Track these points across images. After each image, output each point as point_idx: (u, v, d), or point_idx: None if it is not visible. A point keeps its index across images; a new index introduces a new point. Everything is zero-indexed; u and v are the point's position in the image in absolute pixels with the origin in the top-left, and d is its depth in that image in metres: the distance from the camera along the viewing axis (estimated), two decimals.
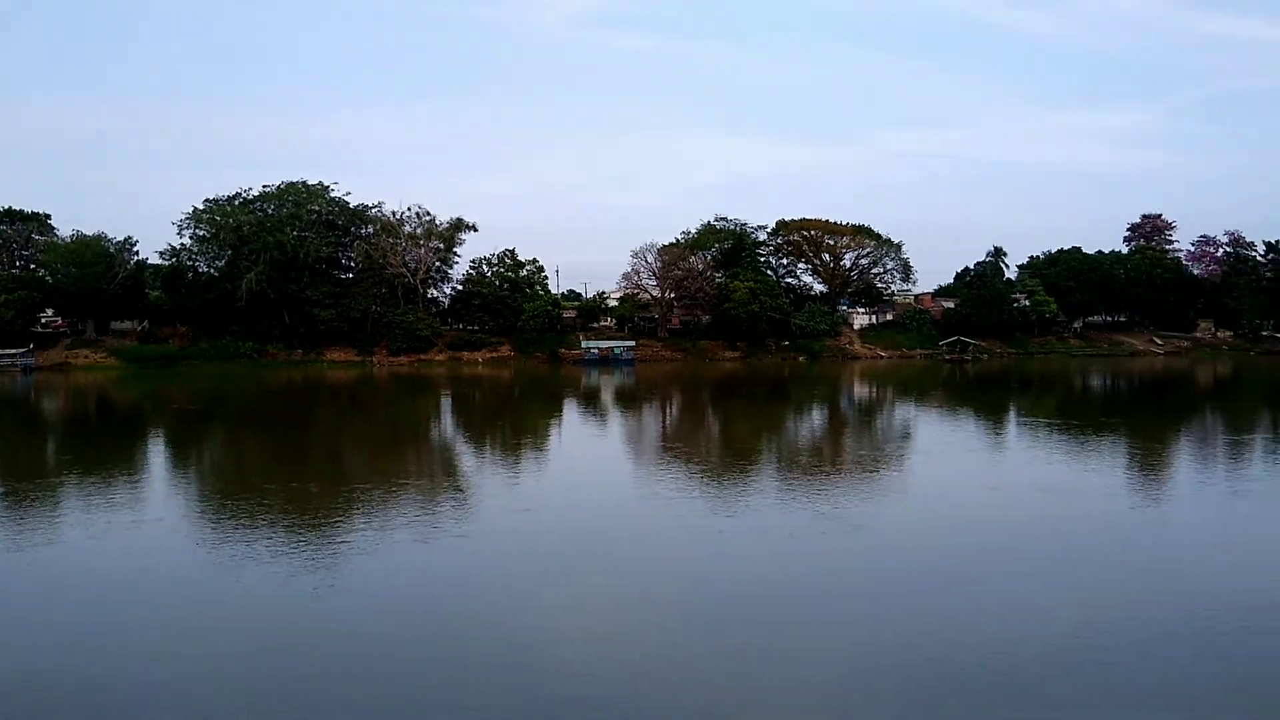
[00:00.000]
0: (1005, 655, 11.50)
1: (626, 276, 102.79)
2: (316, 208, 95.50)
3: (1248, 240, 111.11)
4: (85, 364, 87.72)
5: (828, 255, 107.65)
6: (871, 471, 27.09)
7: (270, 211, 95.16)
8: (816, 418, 47.12)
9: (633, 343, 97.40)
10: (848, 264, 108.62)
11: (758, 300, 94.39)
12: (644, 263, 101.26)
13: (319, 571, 15.56)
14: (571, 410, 51.81)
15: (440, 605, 13.92)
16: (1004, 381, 68.58)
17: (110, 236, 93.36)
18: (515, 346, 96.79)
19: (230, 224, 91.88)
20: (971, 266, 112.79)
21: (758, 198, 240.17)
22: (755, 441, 36.43)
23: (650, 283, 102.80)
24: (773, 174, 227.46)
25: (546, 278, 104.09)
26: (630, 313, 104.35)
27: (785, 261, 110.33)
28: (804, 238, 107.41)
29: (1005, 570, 16.02)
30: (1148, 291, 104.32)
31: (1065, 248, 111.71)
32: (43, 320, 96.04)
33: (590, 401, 55.88)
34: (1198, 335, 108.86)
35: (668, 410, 51.99)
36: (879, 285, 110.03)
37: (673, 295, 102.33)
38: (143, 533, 18.94)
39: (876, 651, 11.73)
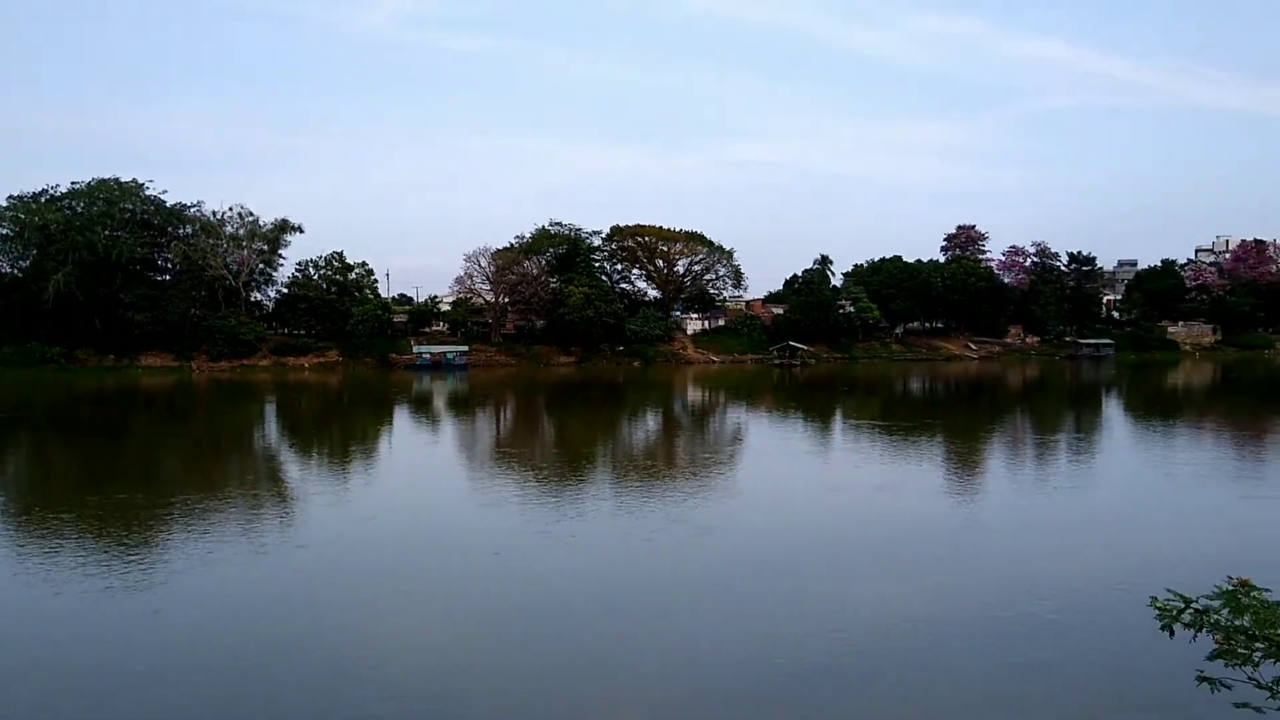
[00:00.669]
0: (841, 647, 13.86)
1: (460, 280, 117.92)
2: (130, 206, 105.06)
3: (1053, 251, 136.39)
4: None
5: (661, 261, 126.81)
6: (716, 474, 31.24)
7: (80, 210, 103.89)
8: (654, 422, 53.41)
9: (466, 347, 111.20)
10: (681, 270, 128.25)
11: (592, 305, 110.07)
12: (478, 266, 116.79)
13: (150, 588, 16.82)
14: (403, 417, 57.20)
15: (271, 619, 15.35)
16: (832, 385, 79.68)
17: None
18: (344, 352, 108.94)
19: (36, 222, 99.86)
20: (800, 274, 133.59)
21: (593, 203, 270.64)
22: (594, 446, 40.88)
23: (484, 287, 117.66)
24: (608, 180, 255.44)
25: (376, 281, 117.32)
26: (463, 317, 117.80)
27: (620, 267, 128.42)
28: (638, 244, 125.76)
29: (848, 567, 18.88)
30: (963, 299, 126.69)
31: (887, 256, 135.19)
32: None
33: (423, 407, 61.97)
34: (1008, 341, 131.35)
35: (503, 415, 58.04)
36: (711, 291, 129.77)
37: (507, 300, 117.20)
38: None
39: (718, 649, 13.74)
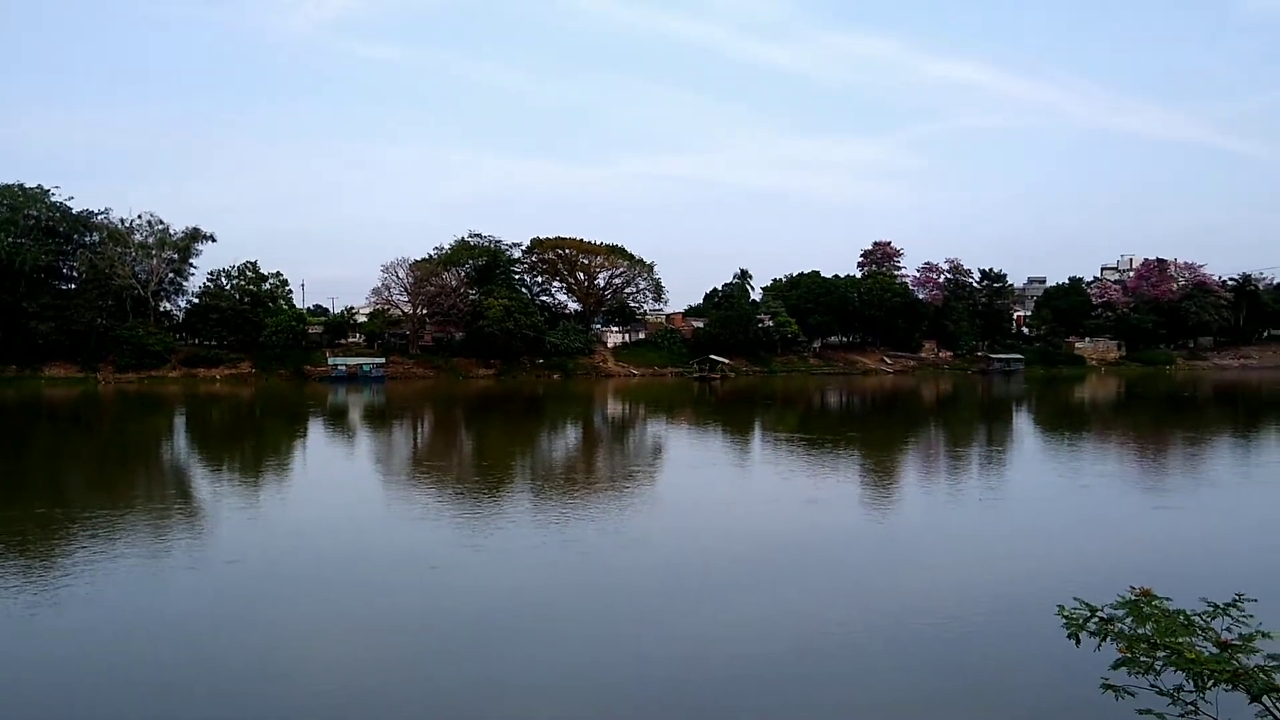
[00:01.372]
0: (768, 657, 14.03)
1: (377, 292, 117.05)
2: (35, 213, 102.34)
3: (966, 268, 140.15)
4: None
5: (582, 274, 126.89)
6: (642, 487, 31.17)
7: None
8: (577, 435, 53.05)
9: (383, 359, 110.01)
10: (602, 283, 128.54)
11: (512, 318, 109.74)
12: (395, 278, 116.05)
13: (58, 608, 16.52)
14: (320, 430, 55.98)
15: (199, 636, 15.15)
16: (752, 398, 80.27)
17: None
18: (257, 363, 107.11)
19: None
20: (720, 288, 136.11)
21: (513, 215, 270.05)
22: (517, 459, 40.62)
23: (402, 298, 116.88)
24: (528, 192, 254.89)
25: (291, 292, 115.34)
26: (381, 329, 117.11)
27: (540, 279, 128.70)
28: (559, 256, 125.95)
29: (774, 578, 18.98)
30: (879, 314, 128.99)
31: (806, 271, 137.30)
32: None
33: (340, 420, 60.97)
34: (923, 355, 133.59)
35: (423, 429, 57.41)
36: (632, 304, 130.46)
37: (425, 311, 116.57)
38: None
39: (648, 660, 13.94)
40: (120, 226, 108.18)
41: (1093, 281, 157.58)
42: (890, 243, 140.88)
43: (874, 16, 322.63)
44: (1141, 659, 6.67)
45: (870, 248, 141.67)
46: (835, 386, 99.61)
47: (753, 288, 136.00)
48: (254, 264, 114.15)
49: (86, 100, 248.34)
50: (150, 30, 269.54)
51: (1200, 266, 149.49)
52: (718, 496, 30.32)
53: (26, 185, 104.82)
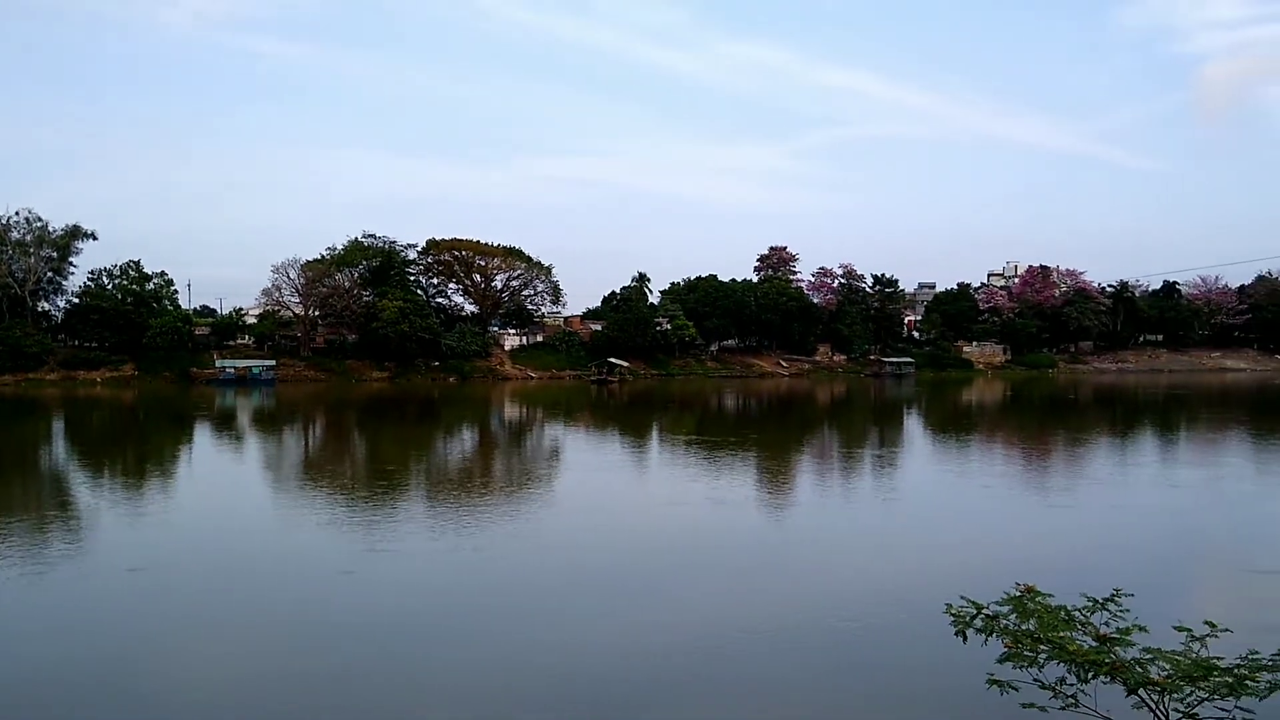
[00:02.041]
0: (668, 656, 14.18)
1: (267, 293, 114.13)
2: None
3: (859, 273, 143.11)
4: None
5: (479, 276, 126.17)
6: (540, 491, 31.45)
7: None
8: (475, 439, 52.60)
9: (273, 362, 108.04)
10: (499, 285, 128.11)
11: (407, 320, 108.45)
12: (286, 279, 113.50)
13: None
14: (208, 434, 54.61)
15: (99, 646, 14.90)
16: (650, 401, 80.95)
17: None
18: (140, 366, 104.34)
19: None
20: (618, 291, 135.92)
21: (408, 216, 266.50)
22: (412, 463, 40.06)
23: (293, 299, 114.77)
24: (424, 193, 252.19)
25: (176, 292, 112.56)
26: (271, 331, 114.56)
27: (436, 281, 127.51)
28: (455, 258, 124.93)
29: (681, 579, 19.18)
30: (775, 318, 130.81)
31: (703, 275, 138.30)
32: None
33: (228, 424, 60.00)
34: (817, 359, 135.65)
35: (315, 433, 56.57)
36: (530, 307, 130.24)
37: (317, 313, 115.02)
38: None
39: (550, 664, 13.85)
40: None
41: (980, 287, 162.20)
42: (786, 248, 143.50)
43: (769, 25, 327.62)
44: (1025, 653, 6.86)
45: (766, 252, 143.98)
46: (732, 389, 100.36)
47: (651, 291, 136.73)
48: (137, 263, 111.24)
49: None
50: (20, 19, 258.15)
51: (1081, 273, 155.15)
52: (619, 499, 30.53)
53: None
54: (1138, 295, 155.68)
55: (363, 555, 21.51)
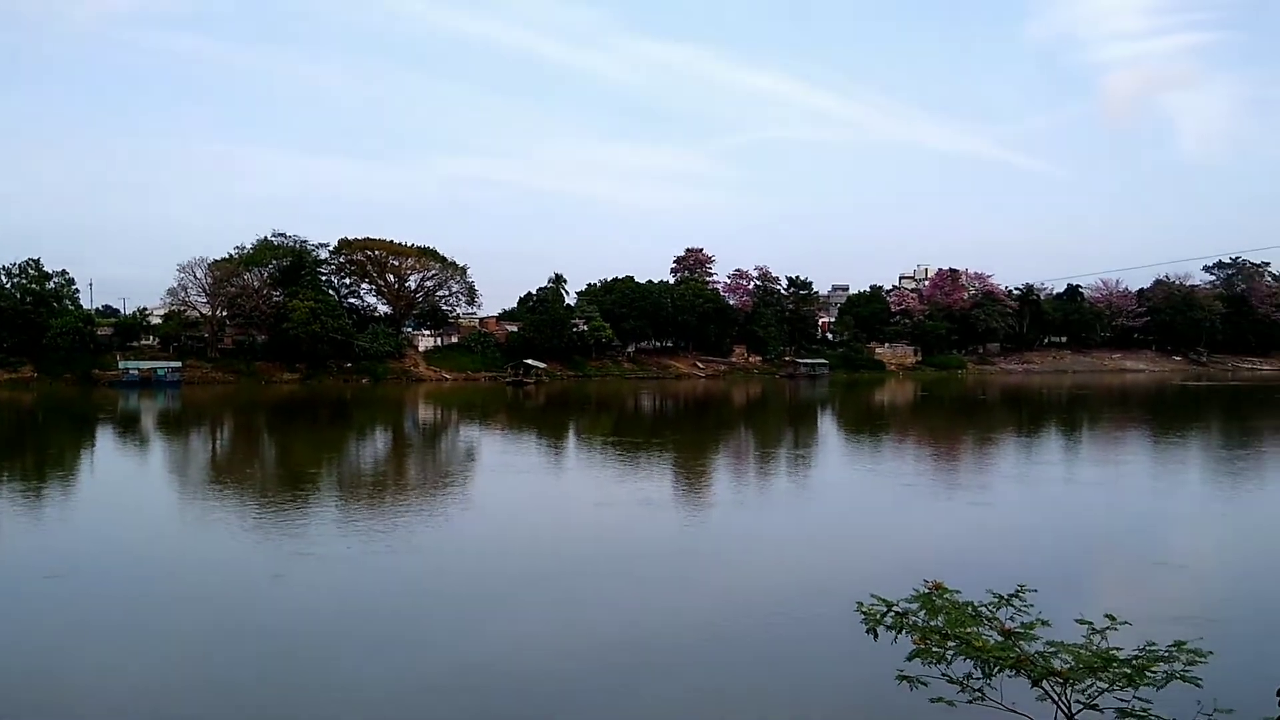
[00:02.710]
0: (587, 654, 14.50)
1: (173, 292, 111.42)
2: None
3: (774, 275, 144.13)
4: None
5: (392, 276, 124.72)
6: (466, 492, 31.84)
7: None
8: (390, 441, 52.75)
9: (178, 364, 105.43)
10: (413, 286, 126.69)
11: (319, 320, 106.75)
12: (193, 278, 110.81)
13: None
14: (109, 439, 53.55)
15: (17, 654, 14.77)
16: (567, 403, 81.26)
17: None
18: (40, 367, 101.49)
19: None
20: (534, 292, 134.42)
21: (320, 215, 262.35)
22: (327, 467, 39.53)
23: (200, 299, 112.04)
24: (336, 192, 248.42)
25: (78, 291, 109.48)
26: (176, 331, 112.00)
27: (349, 281, 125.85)
28: (368, 257, 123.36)
29: (597, 579, 19.53)
30: (692, 319, 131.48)
31: (620, 276, 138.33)
32: None
33: (130, 428, 58.74)
34: (733, 360, 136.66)
35: (222, 436, 56.04)
36: (444, 308, 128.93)
37: (225, 314, 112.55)
38: None
39: (459, 671, 13.86)
40: None
41: (892, 290, 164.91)
42: (702, 249, 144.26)
43: (684, 27, 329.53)
44: (934, 649, 6.99)
45: (683, 254, 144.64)
46: (649, 391, 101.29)
47: (567, 292, 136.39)
48: (36, 261, 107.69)
49: None
50: None
51: (989, 276, 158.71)
52: (542, 501, 30.67)
53: None
54: (1043, 298, 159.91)
55: (291, 559, 21.47)
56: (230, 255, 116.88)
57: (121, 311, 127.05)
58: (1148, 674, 6.77)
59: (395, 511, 27.88)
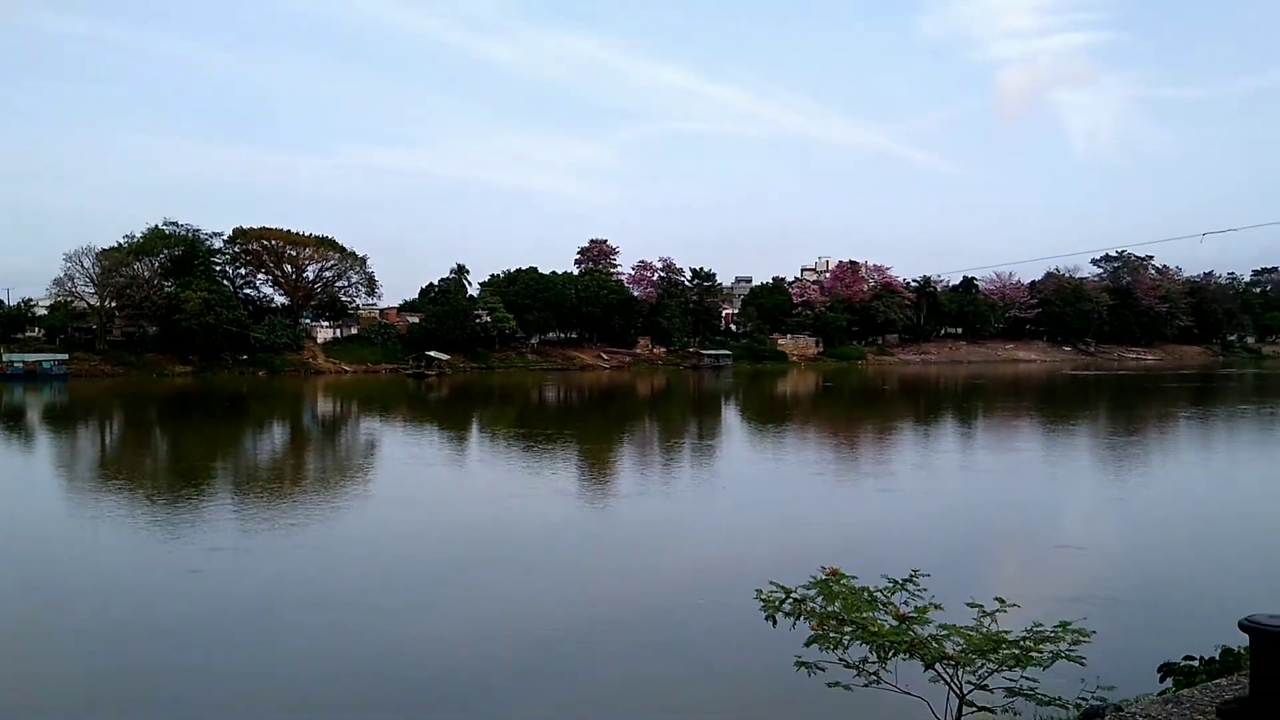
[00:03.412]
0: (492, 647, 14.50)
1: (59, 283, 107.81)
2: None
3: (678, 266, 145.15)
4: None
5: (290, 266, 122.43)
6: (367, 486, 31.46)
7: None
8: (287, 434, 51.31)
9: (65, 356, 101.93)
10: (311, 276, 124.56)
11: (213, 311, 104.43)
12: (80, 268, 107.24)
13: None
14: None
15: None
16: (469, 395, 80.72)
17: None
18: None
19: None
20: (436, 283, 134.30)
21: (214, 204, 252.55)
22: (222, 462, 38.58)
23: (88, 290, 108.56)
24: (229, 179, 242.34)
25: None
26: (63, 322, 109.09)
27: (244, 271, 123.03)
28: (264, 247, 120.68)
29: (500, 570, 19.38)
30: (596, 311, 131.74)
31: (524, 267, 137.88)
32: None
33: (15, 423, 56.74)
34: (638, 351, 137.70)
35: (110, 431, 54.14)
36: (344, 299, 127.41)
37: (114, 304, 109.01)
38: None
39: (350, 664, 13.70)
40: None
41: (794, 281, 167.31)
42: (606, 241, 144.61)
43: (589, 19, 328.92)
44: (831, 635, 7.10)
45: (587, 245, 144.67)
46: (554, 382, 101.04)
47: (470, 283, 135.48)
48: None
49: None
50: None
51: (888, 269, 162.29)
52: (442, 493, 30.35)
53: None
54: (939, 290, 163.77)
55: (207, 554, 21.11)
56: (119, 244, 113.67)
57: (4, 303, 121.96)
58: (1034, 655, 6.97)
59: (307, 506, 27.54)
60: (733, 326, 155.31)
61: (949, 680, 7.01)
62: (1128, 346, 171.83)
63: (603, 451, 41.91)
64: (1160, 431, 50.56)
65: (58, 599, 17.78)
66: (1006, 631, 7.26)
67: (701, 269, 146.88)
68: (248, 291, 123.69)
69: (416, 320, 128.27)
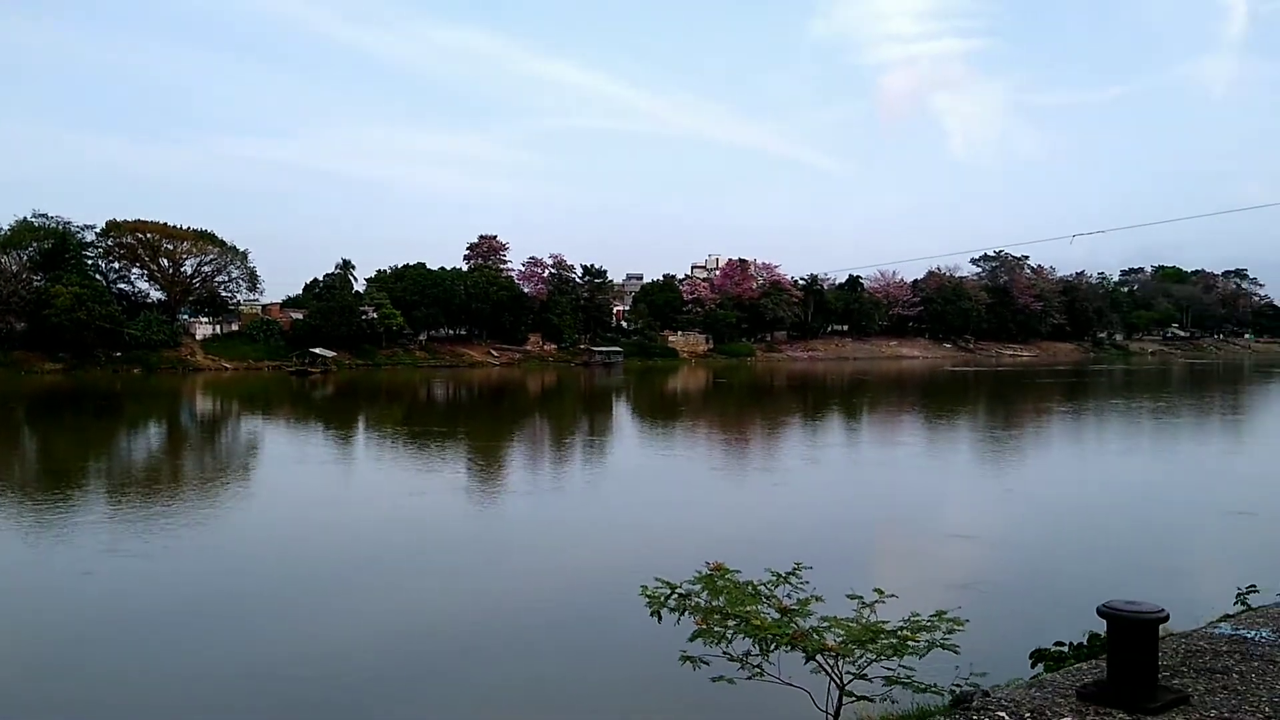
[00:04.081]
0: (382, 646, 14.50)
1: None
2: None
3: (569, 263, 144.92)
4: None
5: (167, 261, 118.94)
6: (250, 487, 30.98)
7: None
8: (165, 434, 50.28)
9: None
10: (189, 271, 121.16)
11: (84, 307, 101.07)
12: None
13: None
14: None
15: None
16: (355, 393, 79.87)
17: None
18: None
19: None
20: (321, 278, 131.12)
21: (87, 196, 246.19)
22: (93, 463, 37.59)
23: None
24: (103, 171, 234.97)
25: None
26: None
27: (118, 266, 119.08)
28: (140, 241, 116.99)
29: (390, 572, 19.37)
30: (486, 307, 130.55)
31: (411, 263, 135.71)
32: None
33: None
34: (528, 348, 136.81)
35: None
36: (224, 294, 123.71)
37: None
38: None
39: (238, 670, 13.61)
40: None
41: (685, 279, 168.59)
42: (496, 237, 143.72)
43: (476, 12, 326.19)
44: (715, 629, 7.22)
45: (477, 241, 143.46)
46: (442, 380, 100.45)
47: (356, 279, 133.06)
48: None
49: None
50: None
51: (776, 267, 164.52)
52: (325, 495, 29.91)
53: None
54: (826, 288, 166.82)
55: (98, 557, 20.79)
56: None
57: None
58: (911, 644, 7.20)
59: (196, 507, 27.12)
60: (624, 324, 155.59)
61: (830, 671, 7.20)
62: (1005, 343, 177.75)
63: (494, 450, 41.66)
64: (1040, 426, 52.53)
65: None
66: (885, 622, 7.47)
67: (593, 266, 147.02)
68: (122, 286, 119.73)
69: (300, 317, 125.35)
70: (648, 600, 7.61)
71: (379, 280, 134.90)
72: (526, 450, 42.17)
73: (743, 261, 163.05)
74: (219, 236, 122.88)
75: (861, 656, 7.22)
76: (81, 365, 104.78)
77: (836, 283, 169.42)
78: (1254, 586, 11.21)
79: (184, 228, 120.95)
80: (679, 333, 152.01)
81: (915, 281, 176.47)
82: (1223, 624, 8.80)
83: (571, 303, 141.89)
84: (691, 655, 7.32)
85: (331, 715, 12.64)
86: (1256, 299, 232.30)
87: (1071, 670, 7.45)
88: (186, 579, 19.09)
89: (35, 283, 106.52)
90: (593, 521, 25.24)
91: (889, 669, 7.25)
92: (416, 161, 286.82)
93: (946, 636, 7.40)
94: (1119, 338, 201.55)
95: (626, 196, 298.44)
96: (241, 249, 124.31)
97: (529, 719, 12.81)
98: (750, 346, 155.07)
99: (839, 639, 7.26)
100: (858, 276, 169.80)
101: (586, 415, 61.42)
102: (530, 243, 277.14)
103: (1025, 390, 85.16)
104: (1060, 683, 6.89)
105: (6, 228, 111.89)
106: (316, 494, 29.92)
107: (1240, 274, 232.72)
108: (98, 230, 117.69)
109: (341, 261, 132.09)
